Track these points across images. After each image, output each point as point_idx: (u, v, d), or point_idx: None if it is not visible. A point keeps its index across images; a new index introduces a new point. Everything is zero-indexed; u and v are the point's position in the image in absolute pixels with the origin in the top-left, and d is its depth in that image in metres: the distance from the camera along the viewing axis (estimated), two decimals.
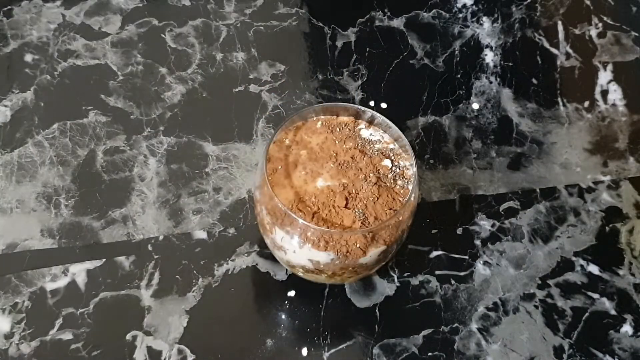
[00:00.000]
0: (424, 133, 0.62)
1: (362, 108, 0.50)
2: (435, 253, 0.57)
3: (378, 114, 0.49)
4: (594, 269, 0.57)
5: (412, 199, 0.46)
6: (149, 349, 0.51)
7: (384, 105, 0.63)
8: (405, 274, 0.56)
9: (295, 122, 0.49)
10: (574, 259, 0.58)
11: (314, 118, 0.50)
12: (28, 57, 0.64)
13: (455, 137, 0.63)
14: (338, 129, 0.50)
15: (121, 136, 0.60)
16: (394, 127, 0.49)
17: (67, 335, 0.52)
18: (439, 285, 0.56)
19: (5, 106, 0.61)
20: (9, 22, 0.65)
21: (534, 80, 0.66)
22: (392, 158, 0.49)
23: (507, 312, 0.55)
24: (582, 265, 0.57)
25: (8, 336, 0.51)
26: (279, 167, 0.48)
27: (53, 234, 0.55)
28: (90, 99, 0.62)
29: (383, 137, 0.50)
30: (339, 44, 0.67)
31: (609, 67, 0.67)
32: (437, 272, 0.56)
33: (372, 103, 0.63)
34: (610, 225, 0.59)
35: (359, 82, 0.65)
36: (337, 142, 0.49)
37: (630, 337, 0.55)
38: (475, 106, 0.64)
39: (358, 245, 0.45)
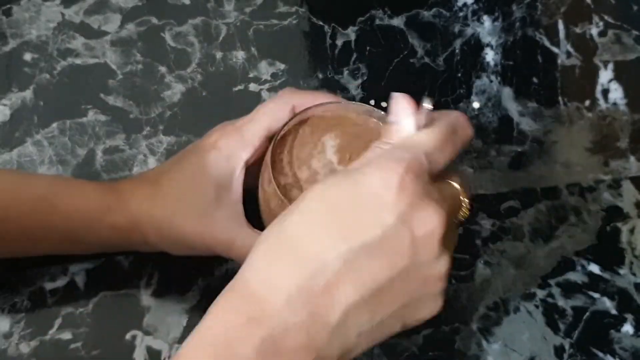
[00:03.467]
0: None
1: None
2: None
3: (383, 113, 0.49)
4: (594, 268, 0.57)
5: None
6: (149, 349, 0.51)
7: (384, 104, 0.63)
8: None
9: (296, 122, 0.49)
10: (574, 258, 0.58)
11: (315, 117, 0.49)
12: (27, 56, 0.63)
13: None
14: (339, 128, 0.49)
15: (120, 135, 0.60)
16: None
17: (67, 335, 0.51)
18: None
19: (5, 105, 0.61)
20: (8, 21, 0.65)
21: (535, 79, 0.66)
22: None
23: (507, 312, 0.55)
24: (582, 265, 0.57)
25: (7, 336, 0.51)
26: (283, 168, 0.47)
27: None
28: (89, 98, 0.62)
29: None
30: (339, 42, 0.66)
31: (610, 66, 0.67)
32: None
33: (372, 102, 0.63)
34: (611, 224, 0.59)
35: (359, 80, 0.64)
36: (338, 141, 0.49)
37: (631, 337, 0.55)
38: (476, 105, 0.64)
39: None
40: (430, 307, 0.35)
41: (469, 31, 0.68)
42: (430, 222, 0.33)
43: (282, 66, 0.65)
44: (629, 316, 0.55)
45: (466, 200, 0.36)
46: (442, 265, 0.34)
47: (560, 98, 0.65)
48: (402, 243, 0.33)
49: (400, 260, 0.33)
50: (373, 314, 0.33)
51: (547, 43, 0.68)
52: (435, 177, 0.35)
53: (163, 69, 0.64)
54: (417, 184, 0.33)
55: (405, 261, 0.33)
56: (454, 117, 0.38)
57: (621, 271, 0.57)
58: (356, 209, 0.33)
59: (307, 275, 0.33)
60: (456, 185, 0.36)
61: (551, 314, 0.55)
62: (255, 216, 0.48)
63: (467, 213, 0.36)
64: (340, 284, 0.32)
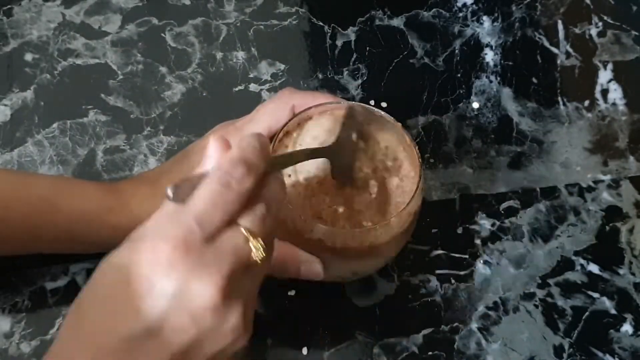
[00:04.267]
0: (424, 132, 0.62)
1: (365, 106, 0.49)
2: (435, 252, 0.57)
3: (383, 113, 0.49)
4: (594, 268, 0.57)
5: (415, 200, 0.46)
6: None
7: (384, 105, 0.63)
8: (405, 273, 0.56)
9: (296, 122, 0.49)
10: (574, 258, 0.58)
11: (316, 117, 0.50)
12: (28, 57, 0.64)
13: (455, 136, 0.63)
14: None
15: (121, 135, 0.60)
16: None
17: None
18: (439, 285, 0.56)
19: (5, 105, 0.61)
20: (8, 21, 0.65)
21: (534, 80, 0.66)
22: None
23: (507, 312, 0.55)
24: (582, 265, 0.57)
25: (8, 335, 0.51)
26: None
27: None
28: (90, 98, 0.62)
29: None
30: (339, 43, 0.66)
31: (609, 66, 0.67)
32: (437, 272, 0.56)
33: (372, 102, 0.63)
34: (611, 224, 0.59)
35: (359, 81, 0.65)
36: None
37: (630, 337, 0.55)
38: (476, 105, 0.64)
39: None
40: (236, 345, 0.36)
41: (468, 31, 0.68)
42: (203, 292, 0.33)
43: (282, 66, 0.65)
44: (628, 316, 0.56)
45: (256, 242, 0.35)
46: (232, 318, 0.35)
47: (559, 98, 0.65)
48: (181, 320, 0.34)
49: (186, 335, 0.34)
50: None
51: (546, 43, 0.68)
52: (216, 231, 0.35)
53: (163, 69, 0.64)
54: (186, 259, 0.33)
55: (191, 334, 0.34)
56: (222, 170, 0.35)
57: (620, 271, 0.57)
58: (133, 294, 0.34)
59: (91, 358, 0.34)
60: (243, 230, 0.35)
61: (551, 314, 0.55)
62: None
63: (262, 253, 0.35)
64: None
